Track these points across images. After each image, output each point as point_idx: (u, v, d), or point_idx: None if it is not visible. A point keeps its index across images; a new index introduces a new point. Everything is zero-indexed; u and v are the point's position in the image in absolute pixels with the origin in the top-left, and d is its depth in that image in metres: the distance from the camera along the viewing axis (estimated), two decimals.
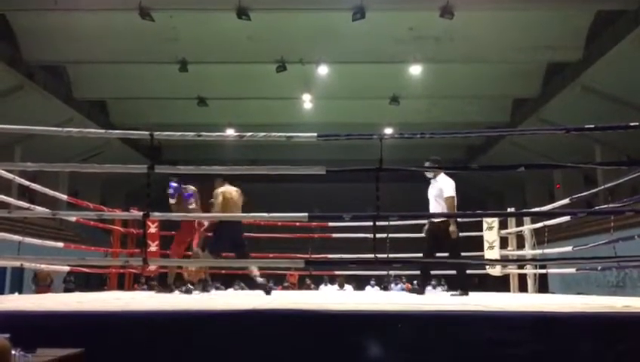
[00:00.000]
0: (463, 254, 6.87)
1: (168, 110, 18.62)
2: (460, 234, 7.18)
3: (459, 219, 6.96)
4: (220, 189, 5.50)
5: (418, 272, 5.51)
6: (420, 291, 5.25)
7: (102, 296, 5.10)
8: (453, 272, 5.88)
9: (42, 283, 11.11)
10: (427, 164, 5.16)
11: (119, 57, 15.39)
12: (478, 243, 7.02)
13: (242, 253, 5.45)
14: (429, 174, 5.36)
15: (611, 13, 13.68)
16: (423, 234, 5.55)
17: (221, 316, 2.61)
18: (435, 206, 5.29)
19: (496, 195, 24.00)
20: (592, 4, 13.58)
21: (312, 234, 8.45)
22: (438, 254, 5.25)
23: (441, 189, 5.24)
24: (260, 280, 5.34)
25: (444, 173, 5.38)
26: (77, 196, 11.73)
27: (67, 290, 12.36)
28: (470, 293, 5.15)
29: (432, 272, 6.58)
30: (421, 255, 5.39)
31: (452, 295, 5.26)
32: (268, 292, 5.16)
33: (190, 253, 5.83)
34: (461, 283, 5.23)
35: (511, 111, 19.33)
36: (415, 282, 8.09)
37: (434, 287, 14.10)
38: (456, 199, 5.26)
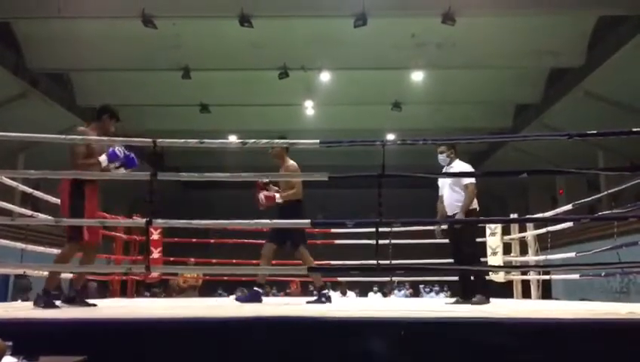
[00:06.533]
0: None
1: (171, 117, 18.63)
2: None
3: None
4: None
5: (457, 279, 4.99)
6: (467, 301, 4.55)
7: (104, 303, 5.09)
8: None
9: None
10: (442, 148, 4.95)
11: (122, 64, 15.42)
12: (481, 250, 7.01)
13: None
14: (443, 160, 5.03)
15: (614, 19, 13.66)
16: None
17: (223, 323, 2.60)
18: (451, 194, 4.86)
19: (498, 201, 23.93)
20: (595, 9, 13.55)
21: (315, 241, 8.44)
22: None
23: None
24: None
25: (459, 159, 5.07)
26: None
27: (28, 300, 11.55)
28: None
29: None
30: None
31: (448, 303, 4.69)
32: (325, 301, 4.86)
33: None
34: (470, 289, 4.60)
35: (513, 117, 19.30)
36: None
37: (437, 293, 14.04)
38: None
